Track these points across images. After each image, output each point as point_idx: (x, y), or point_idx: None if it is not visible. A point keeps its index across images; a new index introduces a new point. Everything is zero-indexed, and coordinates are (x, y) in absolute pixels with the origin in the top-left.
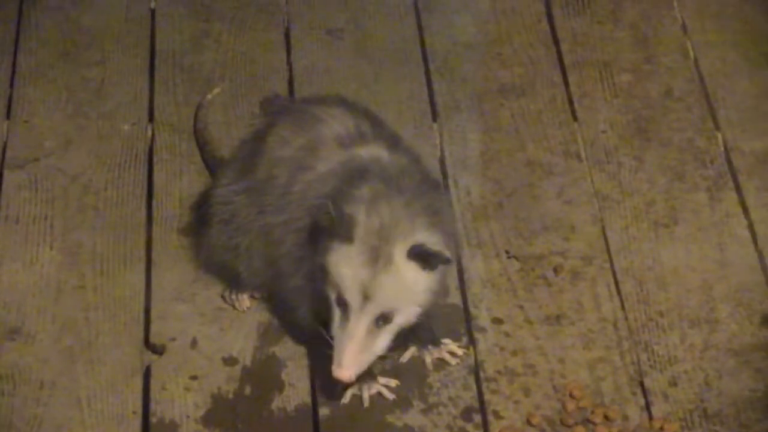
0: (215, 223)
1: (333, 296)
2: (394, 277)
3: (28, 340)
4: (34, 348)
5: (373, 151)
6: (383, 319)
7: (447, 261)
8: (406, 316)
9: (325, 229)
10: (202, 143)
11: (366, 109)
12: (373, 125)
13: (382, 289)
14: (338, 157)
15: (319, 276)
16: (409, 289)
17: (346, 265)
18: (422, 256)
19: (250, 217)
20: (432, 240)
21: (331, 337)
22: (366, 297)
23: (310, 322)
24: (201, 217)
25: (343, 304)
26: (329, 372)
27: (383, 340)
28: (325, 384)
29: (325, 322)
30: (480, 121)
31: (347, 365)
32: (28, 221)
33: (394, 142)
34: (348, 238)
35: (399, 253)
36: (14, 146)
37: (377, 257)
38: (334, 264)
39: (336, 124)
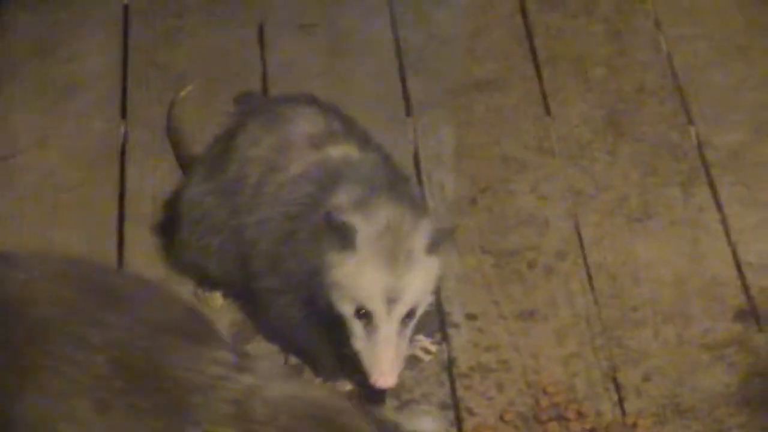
0: (186, 222)
1: (350, 310)
2: (418, 273)
3: None
4: None
5: (344, 151)
6: (408, 316)
7: (453, 232)
8: (424, 307)
9: (324, 244)
10: (175, 141)
11: (336, 107)
12: (344, 124)
13: (409, 288)
14: (310, 158)
15: (324, 294)
16: (430, 279)
17: (360, 275)
18: (440, 242)
19: (222, 217)
20: (431, 224)
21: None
22: (392, 301)
23: (284, 321)
24: (173, 215)
25: (366, 315)
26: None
27: (408, 335)
28: None
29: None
30: (454, 116)
31: (390, 372)
32: (0, 219)
33: (364, 140)
34: (351, 247)
35: (418, 247)
36: None
37: (396, 258)
38: (347, 277)
39: (307, 123)
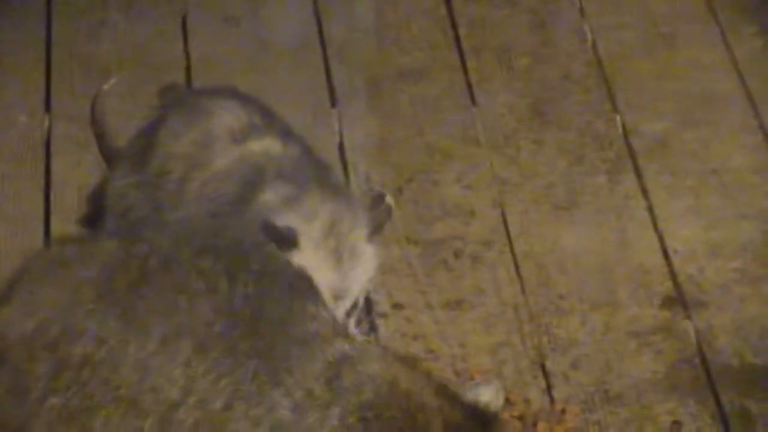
0: (111, 215)
1: None
2: (362, 266)
3: None
4: None
5: (266, 145)
6: (353, 308)
7: (391, 210)
8: (363, 291)
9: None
10: (99, 134)
11: (257, 100)
12: (265, 117)
13: (355, 283)
14: (232, 154)
15: None
16: (372, 267)
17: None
18: (379, 227)
19: (146, 212)
20: (362, 213)
21: None
22: (338, 298)
23: None
24: (99, 208)
25: None
26: None
27: (352, 324)
28: None
29: None
30: (379, 106)
31: None
32: None
33: (285, 133)
34: (294, 246)
35: (360, 241)
36: None
37: (340, 256)
38: None
39: (228, 116)
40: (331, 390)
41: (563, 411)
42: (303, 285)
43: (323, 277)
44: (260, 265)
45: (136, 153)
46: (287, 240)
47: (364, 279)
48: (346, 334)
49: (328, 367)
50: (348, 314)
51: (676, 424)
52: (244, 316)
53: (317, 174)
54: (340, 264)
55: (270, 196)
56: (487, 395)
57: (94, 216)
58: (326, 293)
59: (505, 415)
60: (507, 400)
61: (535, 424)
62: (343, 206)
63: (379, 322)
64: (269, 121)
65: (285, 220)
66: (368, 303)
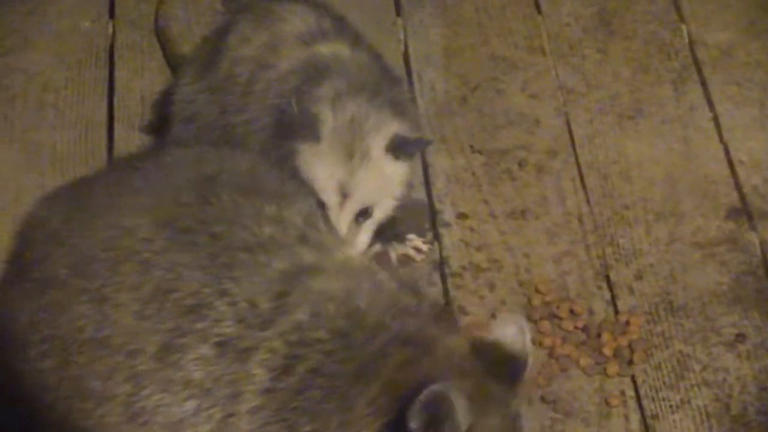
0: (178, 121)
1: (313, 198)
2: (372, 172)
3: None
4: None
5: (335, 48)
6: (362, 215)
7: (428, 143)
8: (384, 210)
9: (290, 131)
10: (163, 40)
11: (328, 5)
12: (335, 22)
13: (360, 185)
14: (300, 55)
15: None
16: (387, 182)
17: (318, 166)
18: (402, 146)
19: (212, 116)
20: (403, 128)
21: None
22: (344, 195)
23: None
24: (163, 115)
25: (320, 205)
26: None
27: (364, 235)
28: None
29: None
30: (443, 15)
31: None
32: None
33: (355, 39)
34: (315, 137)
35: (376, 146)
36: None
37: (352, 153)
38: (305, 165)
39: (298, 21)
40: (276, 305)
41: (627, 322)
42: (258, 184)
43: (330, 168)
44: (247, 165)
45: (204, 58)
46: (311, 126)
47: (374, 187)
48: (318, 245)
49: (279, 278)
50: (358, 222)
51: (740, 336)
52: (211, 219)
53: (376, 81)
54: (350, 159)
55: (323, 91)
56: (510, 333)
57: (158, 123)
58: (332, 187)
59: (570, 326)
60: (571, 311)
61: (599, 335)
62: (377, 111)
63: (443, 232)
64: (339, 26)
65: (317, 108)
66: (432, 212)
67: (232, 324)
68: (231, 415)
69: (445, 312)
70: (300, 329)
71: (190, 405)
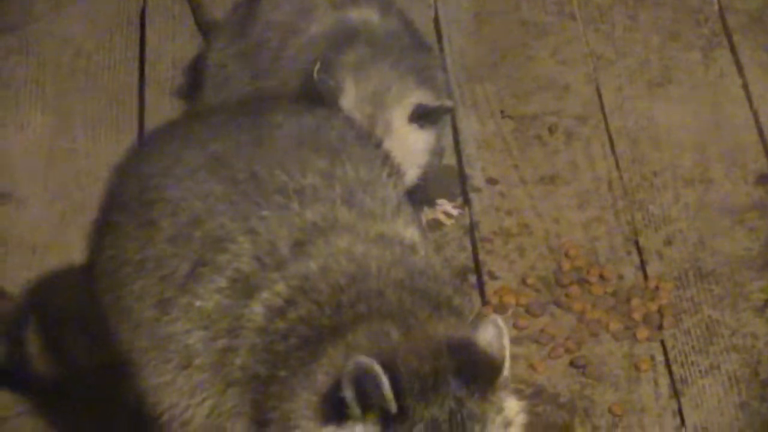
0: (210, 86)
1: None
2: (396, 143)
3: (19, 204)
4: (26, 212)
5: (365, 14)
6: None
7: (449, 109)
8: (408, 178)
9: (314, 99)
10: (194, 5)
11: None
12: None
13: None
14: (329, 19)
15: None
16: (410, 152)
17: None
18: (424, 114)
19: (244, 81)
20: (426, 96)
21: None
22: None
23: None
24: (194, 80)
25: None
26: None
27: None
28: None
29: None
30: None
31: None
32: (19, 85)
33: (386, 4)
34: (336, 107)
35: (398, 117)
36: (4, 10)
37: (374, 125)
38: None
39: None
40: (293, 252)
41: (657, 287)
42: (356, 151)
43: None
44: (314, 120)
45: (236, 23)
46: (332, 94)
47: (397, 156)
48: (362, 211)
49: (306, 227)
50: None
51: None
52: (256, 159)
53: (403, 48)
54: (372, 130)
55: (349, 57)
56: (488, 335)
57: (189, 87)
58: None
59: (599, 291)
60: (600, 276)
61: (628, 300)
62: (401, 80)
63: (473, 196)
64: None
65: (339, 77)
66: (462, 177)
67: (249, 261)
68: (229, 349)
69: (465, 314)
70: (306, 278)
71: (202, 334)
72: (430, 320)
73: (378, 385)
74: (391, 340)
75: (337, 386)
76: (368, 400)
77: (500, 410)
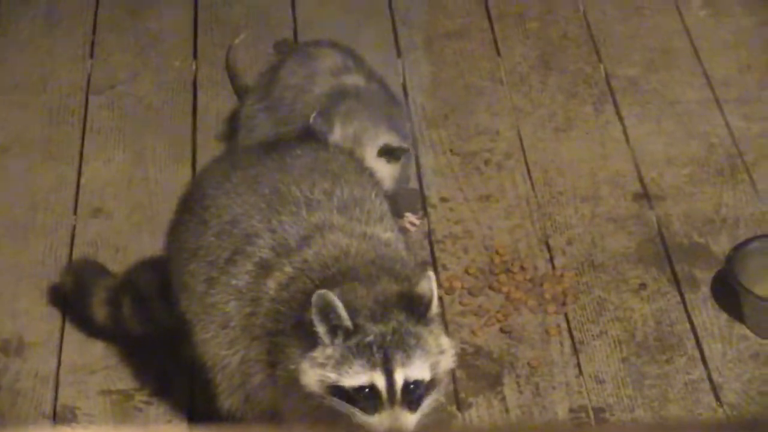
0: (243, 132)
1: None
2: None
3: (107, 217)
4: (112, 223)
5: (355, 79)
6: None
7: (407, 150)
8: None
9: (311, 137)
10: (231, 75)
11: (350, 48)
12: (355, 61)
13: None
14: (329, 83)
15: None
16: (383, 180)
17: None
18: (388, 152)
19: (268, 128)
20: (393, 139)
21: None
22: None
23: None
24: (232, 128)
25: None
26: None
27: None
28: None
29: None
30: (431, 57)
31: None
32: (107, 131)
33: (370, 72)
34: (325, 144)
35: (370, 152)
36: (96, 78)
37: None
38: None
39: (329, 59)
40: (299, 244)
41: (562, 275)
42: (352, 176)
43: None
44: (326, 155)
45: (262, 86)
46: (321, 135)
47: None
48: (351, 217)
49: (309, 227)
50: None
51: (642, 285)
52: (279, 178)
53: (383, 103)
54: None
55: (341, 109)
56: (424, 285)
57: (229, 133)
58: None
59: (520, 278)
60: (521, 267)
61: (541, 284)
62: (375, 126)
63: (430, 210)
64: (359, 64)
65: (331, 121)
66: (422, 196)
67: (268, 251)
68: (253, 313)
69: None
70: (305, 261)
71: (235, 304)
72: (389, 284)
73: (335, 309)
74: (357, 292)
75: (312, 323)
76: (332, 324)
77: (435, 337)
